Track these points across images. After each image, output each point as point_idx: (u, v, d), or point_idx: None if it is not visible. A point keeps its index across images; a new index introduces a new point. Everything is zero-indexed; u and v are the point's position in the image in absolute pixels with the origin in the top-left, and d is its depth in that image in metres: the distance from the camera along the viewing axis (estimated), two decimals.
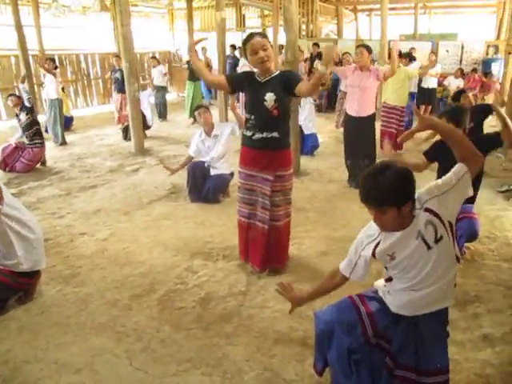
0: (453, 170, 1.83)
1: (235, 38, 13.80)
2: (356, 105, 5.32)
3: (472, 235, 3.47)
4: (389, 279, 2.02)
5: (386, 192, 1.74)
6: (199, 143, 5.14)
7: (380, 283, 2.11)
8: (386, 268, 2.01)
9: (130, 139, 7.76)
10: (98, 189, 5.63)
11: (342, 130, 8.31)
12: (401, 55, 7.44)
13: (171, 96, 14.61)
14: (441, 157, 3.32)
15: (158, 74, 10.54)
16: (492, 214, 4.58)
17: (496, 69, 10.32)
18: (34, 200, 5.20)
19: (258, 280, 3.40)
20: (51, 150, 7.44)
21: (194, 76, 10.70)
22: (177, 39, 16.60)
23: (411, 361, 1.89)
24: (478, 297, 3.09)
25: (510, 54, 8.37)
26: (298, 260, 3.70)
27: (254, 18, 17.33)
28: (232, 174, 5.13)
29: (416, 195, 1.84)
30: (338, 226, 4.42)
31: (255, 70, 3.25)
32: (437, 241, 1.82)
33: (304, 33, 15.97)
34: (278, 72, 3.21)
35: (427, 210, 1.83)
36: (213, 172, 5.11)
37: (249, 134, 3.26)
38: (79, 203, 5.11)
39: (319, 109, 10.96)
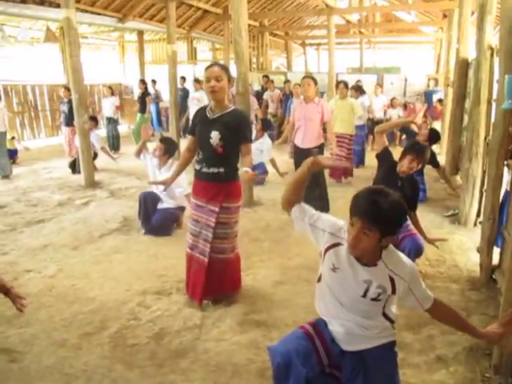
0: (428, 295, 1.93)
1: (187, 70, 13.93)
2: (302, 136, 5.47)
3: (418, 250, 3.57)
4: (319, 279, 2.04)
5: (385, 215, 1.71)
6: (151, 169, 5.06)
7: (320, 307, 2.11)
8: (321, 266, 2.01)
9: (79, 172, 7.55)
10: (46, 223, 5.40)
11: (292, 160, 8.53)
12: (351, 88, 7.76)
13: (122, 128, 14.42)
14: (384, 162, 3.63)
15: (109, 106, 10.43)
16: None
17: (437, 98, 10.96)
18: None
19: (213, 312, 3.33)
20: None
21: (144, 108, 10.69)
22: (128, 71, 16.55)
23: None
24: (432, 318, 3.14)
25: (448, 86, 8.90)
26: (253, 290, 3.66)
27: (206, 51, 17.62)
28: (183, 209, 5.08)
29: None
30: (293, 254, 4.44)
31: (206, 102, 3.30)
32: (373, 299, 1.87)
33: (255, 65, 16.37)
34: (230, 109, 3.24)
35: (391, 279, 1.86)
36: (159, 206, 5.03)
37: (197, 167, 3.32)
38: (24, 239, 4.87)
39: (271, 138, 11.13)
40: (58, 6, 6.77)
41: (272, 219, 5.55)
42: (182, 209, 5.09)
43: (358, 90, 8.93)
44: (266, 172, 7.38)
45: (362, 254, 1.83)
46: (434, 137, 5.91)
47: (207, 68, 3.16)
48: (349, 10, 13.74)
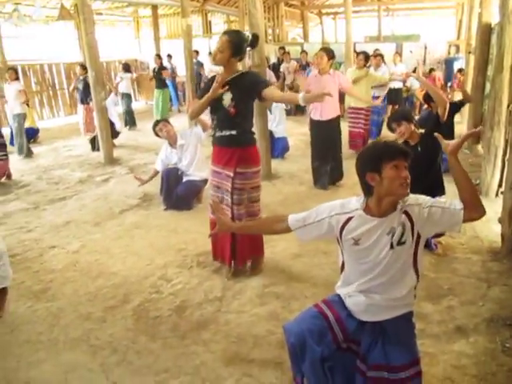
0: (454, 200, 1.86)
1: (202, 44, 13.79)
2: (319, 109, 5.39)
3: None
4: (342, 267, 2.06)
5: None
6: (169, 156, 5.13)
7: (340, 285, 2.13)
8: (341, 253, 2.03)
9: (98, 149, 7.63)
10: (67, 201, 5.51)
11: None
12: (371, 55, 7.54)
13: (139, 104, 14.46)
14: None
15: (124, 81, 10.38)
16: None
17: (458, 66, 10.61)
18: (0, 215, 5.04)
19: (233, 285, 3.38)
20: (16, 163, 7.26)
21: (161, 84, 10.65)
22: (143, 47, 16.46)
23: (381, 359, 1.90)
24: (451, 290, 3.16)
25: (469, 53, 8.62)
26: (272, 263, 3.70)
27: (221, 24, 17.37)
28: (205, 181, 5.11)
29: None
30: None
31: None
32: (399, 243, 1.86)
33: (270, 37, 16.10)
34: (239, 73, 3.24)
35: (405, 212, 1.87)
36: (185, 179, 5.08)
37: (214, 133, 3.36)
38: (48, 216, 4.98)
39: (288, 112, 11.03)
40: None
41: (290, 192, 5.56)
42: (206, 181, 5.13)
43: (378, 57, 8.69)
44: (286, 147, 7.35)
45: (408, 190, 1.86)
46: (454, 108, 5.75)
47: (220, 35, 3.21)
48: None
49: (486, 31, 6.90)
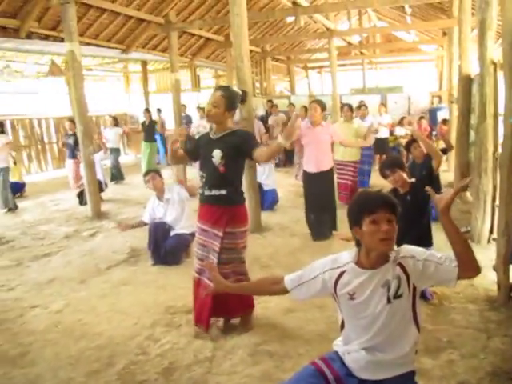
0: (450, 255, 1.80)
1: (191, 97, 14.07)
2: (315, 161, 5.39)
3: None
4: (341, 325, 1.98)
5: (393, 200, 1.85)
6: (155, 208, 5.06)
7: (339, 343, 2.03)
8: (339, 309, 1.95)
9: (86, 203, 7.54)
10: (52, 257, 5.35)
11: (301, 182, 8.47)
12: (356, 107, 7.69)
13: (129, 158, 14.53)
14: None
15: (113, 136, 10.40)
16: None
17: (442, 116, 10.90)
18: None
19: (224, 343, 3.22)
20: (1, 218, 7.11)
21: (149, 137, 10.74)
22: (133, 101, 16.75)
23: None
24: (451, 342, 3.04)
25: (452, 102, 8.87)
26: (264, 319, 3.55)
27: (209, 78, 17.84)
28: (193, 235, 5.01)
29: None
30: None
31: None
32: (396, 296, 1.80)
33: (258, 91, 16.51)
34: (232, 130, 3.23)
35: (400, 264, 1.81)
36: (172, 232, 4.99)
37: (201, 190, 3.30)
38: (31, 273, 4.81)
39: (277, 164, 11.13)
40: (62, 40, 6.88)
41: (281, 245, 5.47)
42: (193, 234, 5.03)
43: (363, 107, 8.89)
44: (276, 199, 7.34)
45: (392, 245, 1.80)
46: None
47: (213, 91, 3.23)
48: (349, 32, 13.89)
49: (466, 82, 7.11)
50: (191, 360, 3.03)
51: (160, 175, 5.09)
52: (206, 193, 3.22)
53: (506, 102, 3.38)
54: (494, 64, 4.65)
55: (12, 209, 7.72)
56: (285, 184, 8.86)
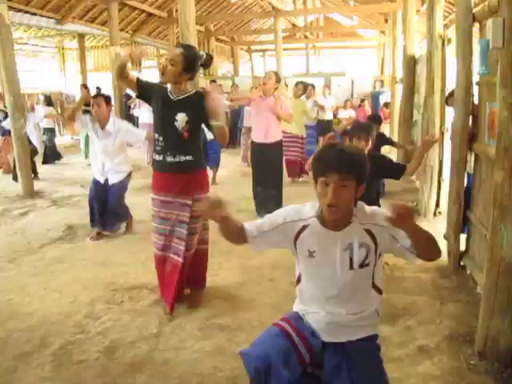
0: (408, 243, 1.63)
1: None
2: (263, 131, 5.23)
3: None
4: (298, 280, 1.83)
5: (355, 160, 1.63)
6: (90, 126, 4.49)
7: (297, 301, 1.88)
8: (298, 264, 1.81)
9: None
10: None
11: (245, 164, 8.33)
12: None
13: (65, 139, 13.70)
14: None
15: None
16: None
17: (384, 99, 11.13)
18: None
19: (171, 318, 3.00)
20: None
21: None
22: (69, 80, 15.83)
23: None
24: (406, 309, 3.00)
25: (395, 83, 9.03)
26: (214, 293, 3.36)
27: (151, 58, 17.19)
28: (131, 174, 4.77)
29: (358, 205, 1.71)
30: (253, 253, 4.14)
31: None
32: (362, 265, 1.68)
33: (201, 72, 16.11)
34: (193, 92, 2.97)
35: (368, 231, 1.67)
36: (111, 180, 4.57)
37: (159, 157, 2.98)
38: None
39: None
40: None
41: None
42: (130, 174, 4.76)
43: (310, 87, 8.80)
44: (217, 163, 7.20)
45: (342, 211, 1.63)
46: (382, 140, 5.84)
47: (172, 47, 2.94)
48: (294, 13, 13.73)
49: (410, 62, 7.25)
50: (135, 337, 2.79)
51: (109, 103, 4.56)
52: (169, 159, 2.93)
53: (457, 66, 3.35)
54: (442, 39, 4.68)
55: None
56: (229, 164, 8.65)
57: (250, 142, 5.63)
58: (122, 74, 2.92)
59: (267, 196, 5.40)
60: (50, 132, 9.81)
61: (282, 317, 1.84)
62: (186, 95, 2.93)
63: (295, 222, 1.74)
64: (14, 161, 7.12)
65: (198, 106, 2.88)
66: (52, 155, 9.71)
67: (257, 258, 4.01)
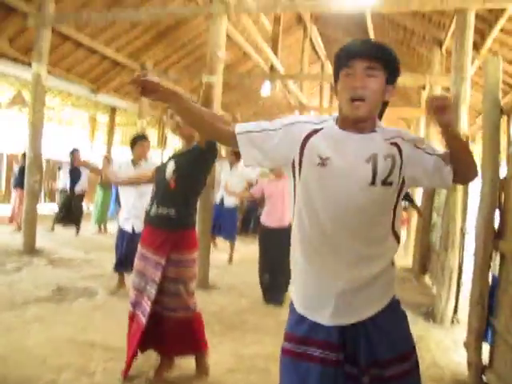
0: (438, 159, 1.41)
1: (156, 155, 13.77)
2: (279, 214, 5.00)
3: None
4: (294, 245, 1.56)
5: (384, 48, 1.40)
6: (124, 168, 4.67)
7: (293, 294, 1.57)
8: (295, 196, 1.50)
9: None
10: None
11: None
12: None
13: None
14: None
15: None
16: (415, 335, 4.22)
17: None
18: None
19: None
20: None
21: (107, 184, 10.08)
22: (95, 150, 16.29)
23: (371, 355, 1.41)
24: None
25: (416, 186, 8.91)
26: (199, 375, 2.97)
27: (176, 140, 17.70)
28: None
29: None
30: (249, 341, 3.78)
31: None
32: (384, 183, 1.37)
33: None
34: (194, 145, 2.87)
35: (393, 144, 1.40)
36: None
37: (147, 208, 2.89)
38: None
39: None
40: (30, 65, 6.53)
41: (227, 304, 4.90)
42: None
43: None
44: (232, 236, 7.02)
45: (367, 108, 1.36)
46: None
47: None
48: (319, 108, 14.12)
49: None
50: None
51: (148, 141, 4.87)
52: (152, 210, 2.81)
53: (483, 160, 3.19)
54: (467, 138, 4.60)
55: None
56: (239, 250, 8.38)
57: (259, 226, 5.41)
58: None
59: (276, 284, 5.04)
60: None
61: (285, 333, 1.52)
62: (187, 149, 2.88)
63: (305, 124, 1.46)
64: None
65: (188, 156, 2.79)
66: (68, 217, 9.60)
67: (252, 347, 3.62)
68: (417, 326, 4.52)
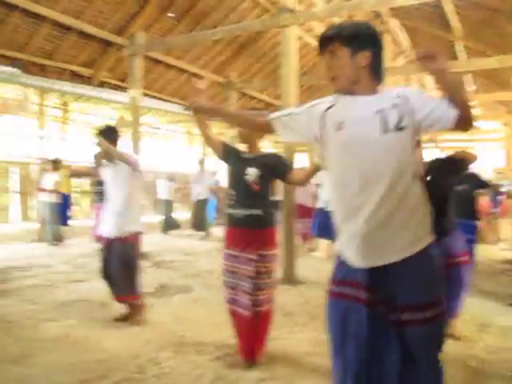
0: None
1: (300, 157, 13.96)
2: None
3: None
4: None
5: (340, 27, 1.65)
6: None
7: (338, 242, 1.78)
8: (324, 158, 1.74)
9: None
10: (83, 283, 5.45)
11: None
12: None
13: (179, 214, 14.67)
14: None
15: (167, 188, 10.67)
16: (504, 325, 4.14)
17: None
18: None
19: (228, 374, 2.99)
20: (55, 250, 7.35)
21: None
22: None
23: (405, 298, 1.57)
24: None
25: None
26: (276, 358, 3.27)
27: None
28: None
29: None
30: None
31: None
32: (398, 128, 1.55)
33: None
34: (264, 153, 3.22)
35: (400, 96, 1.60)
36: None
37: (231, 211, 3.15)
38: (57, 294, 4.89)
39: None
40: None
41: (313, 297, 5.12)
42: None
43: None
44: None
45: (345, 81, 1.65)
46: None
47: None
48: None
49: None
50: None
51: None
52: (239, 212, 3.07)
53: None
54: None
55: (56, 244, 8.10)
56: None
57: None
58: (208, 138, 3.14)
59: None
60: (168, 204, 10.70)
61: (331, 278, 1.75)
62: (257, 155, 3.13)
63: (323, 103, 1.74)
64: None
65: (268, 164, 3.08)
66: (168, 225, 10.55)
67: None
68: (507, 317, 4.41)
